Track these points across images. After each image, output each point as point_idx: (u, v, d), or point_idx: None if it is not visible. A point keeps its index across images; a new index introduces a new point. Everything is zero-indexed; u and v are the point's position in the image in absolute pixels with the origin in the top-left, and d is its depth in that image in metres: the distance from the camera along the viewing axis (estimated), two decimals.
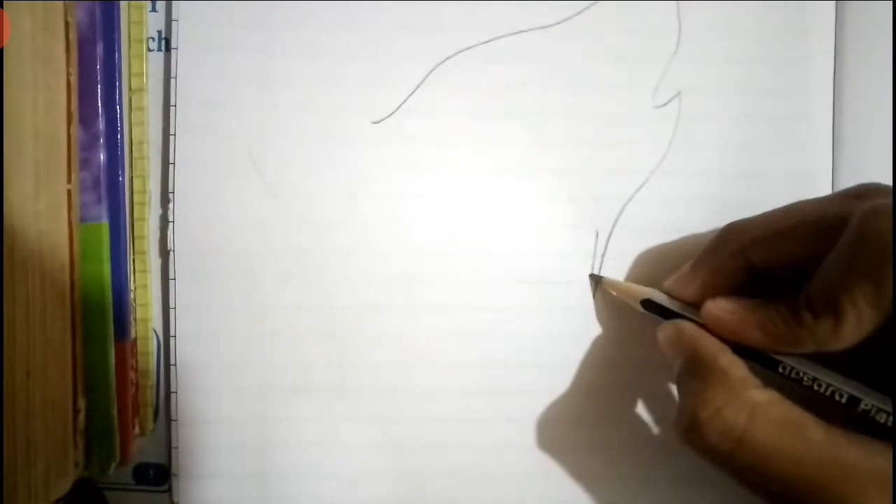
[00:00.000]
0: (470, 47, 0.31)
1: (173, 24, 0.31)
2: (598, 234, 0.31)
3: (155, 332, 0.31)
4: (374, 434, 0.31)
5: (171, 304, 0.31)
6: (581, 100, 0.31)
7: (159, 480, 0.32)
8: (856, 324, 0.22)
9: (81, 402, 0.29)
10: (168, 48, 0.31)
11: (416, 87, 0.31)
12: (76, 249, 0.29)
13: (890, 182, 0.31)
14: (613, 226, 0.31)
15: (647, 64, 0.32)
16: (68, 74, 0.29)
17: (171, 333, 0.31)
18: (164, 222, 0.31)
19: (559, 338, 0.31)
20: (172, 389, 0.31)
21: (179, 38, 0.31)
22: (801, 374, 0.25)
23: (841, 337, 0.23)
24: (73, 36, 0.29)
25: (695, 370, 0.25)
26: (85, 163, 0.29)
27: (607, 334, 0.32)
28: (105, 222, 0.30)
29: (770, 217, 0.27)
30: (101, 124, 0.30)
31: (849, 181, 0.31)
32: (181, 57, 0.31)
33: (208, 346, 0.31)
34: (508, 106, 0.31)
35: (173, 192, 0.31)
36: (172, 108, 0.31)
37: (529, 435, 0.32)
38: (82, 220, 0.29)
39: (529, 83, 0.31)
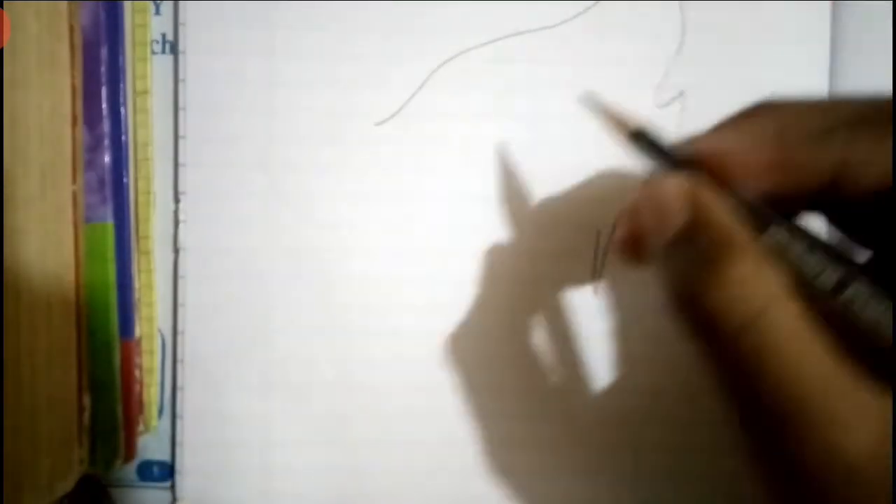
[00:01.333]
0: (472, 48, 0.31)
1: (180, 27, 0.31)
2: (599, 233, 0.31)
3: (160, 330, 0.32)
4: (378, 430, 0.32)
5: (181, 302, 0.31)
6: None
7: (164, 478, 0.32)
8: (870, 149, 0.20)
9: (87, 400, 0.30)
10: (173, 51, 0.31)
11: (418, 88, 0.31)
12: (81, 249, 0.29)
13: None
14: (615, 225, 0.31)
15: (650, 64, 0.32)
16: (73, 77, 0.29)
17: (179, 330, 0.31)
18: (175, 222, 0.31)
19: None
20: (179, 385, 0.31)
21: (187, 42, 0.31)
22: (795, 234, 0.21)
23: (855, 159, 0.20)
24: (77, 39, 0.29)
25: (704, 236, 0.21)
26: (90, 164, 0.30)
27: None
28: (110, 223, 0.30)
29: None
30: (106, 126, 0.30)
31: None
32: (189, 61, 0.31)
33: (215, 343, 0.31)
34: (510, 106, 0.31)
35: (184, 193, 0.31)
36: (182, 112, 0.31)
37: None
38: (87, 220, 0.30)
39: (531, 84, 0.32)
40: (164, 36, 0.31)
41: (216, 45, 0.31)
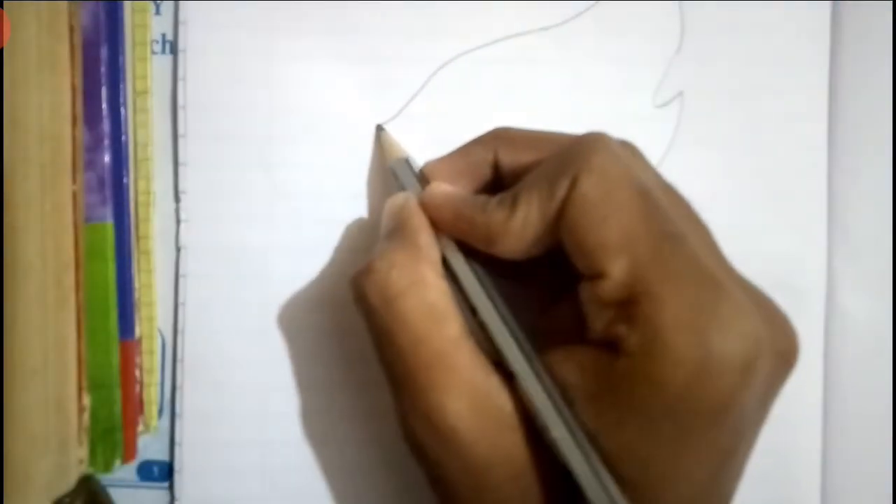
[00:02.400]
0: (472, 50, 0.31)
1: (180, 27, 0.31)
2: None
3: (160, 330, 0.32)
4: (377, 429, 0.32)
5: (181, 301, 0.31)
6: (582, 100, 0.32)
7: (164, 478, 0.32)
8: (522, 220, 0.24)
9: (86, 400, 0.30)
10: (173, 51, 0.31)
11: (419, 89, 0.31)
12: (81, 249, 0.30)
13: (886, 180, 0.31)
14: None
15: (649, 64, 0.32)
16: (73, 77, 0.29)
17: (179, 329, 0.31)
18: (176, 221, 0.31)
19: None
20: (178, 385, 0.31)
21: (187, 42, 0.31)
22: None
23: (509, 230, 0.24)
24: (77, 39, 0.29)
25: (395, 235, 0.26)
26: (90, 164, 0.30)
27: None
28: (110, 222, 0.30)
29: (533, 131, 0.28)
30: (106, 126, 0.30)
31: (844, 180, 0.31)
32: (189, 60, 0.31)
33: (215, 342, 0.31)
34: (510, 108, 0.31)
35: (185, 192, 0.31)
36: (181, 111, 0.31)
37: None
38: (87, 220, 0.30)
39: (531, 85, 0.32)
40: (164, 36, 0.31)
41: (216, 44, 0.31)
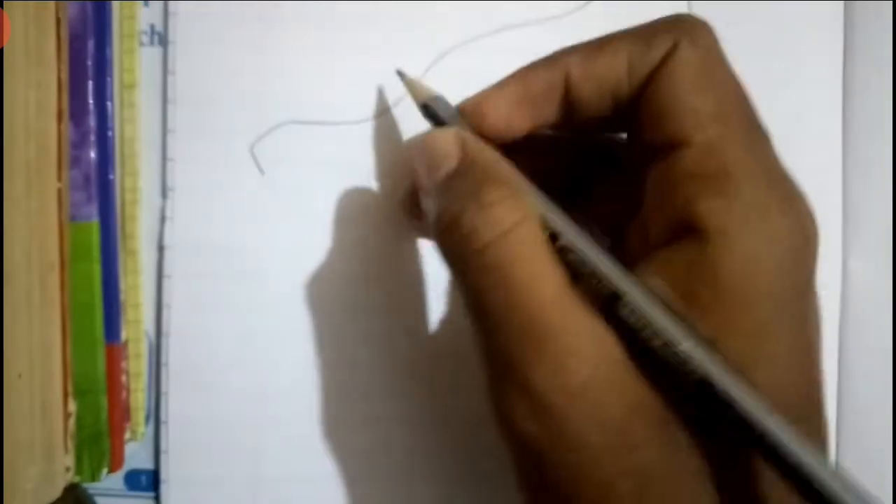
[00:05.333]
0: (471, 41, 0.31)
1: (170, 18, 0.30)
2: None
3: (147, 334, 0.31)
4: (370, 437, 0.31)
5: (166, 303, 0.31)
6: None
7: (151, 487, 0.31)
8: (607, 67, 0.23)
9: (72, 405, 0.29)
10: (162, 43, 0.31)
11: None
12: (66, 249, 0.29)
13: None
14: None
15: None
16: (59, 72, 0.29)
17: (164, 332, 0.31)
18: (161, 219, 0.31)
19: None
20: (163, 390, 0.30)
21: (177, 34, 0.31)
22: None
23: (591, 75, 0.23)
24: (64, 33, 0.29)
25: (470, 173, 0.23)
26: (75, 161, 0.29)
27: None
28: (96, 221, 0.30)
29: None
30: (92, 121, 0.29)
31: (859, 176, 0.31)
32: (178, 53, 0.31)
33: (201, 346, 0.31)
34: None
35: (172, 189, 0.31)
36: (171, 105, 0.30)
37: None
38: (73, 219, 0.29)
39: None
40: (152, 27, 0.31)
41: (207, 36, 0.31)
